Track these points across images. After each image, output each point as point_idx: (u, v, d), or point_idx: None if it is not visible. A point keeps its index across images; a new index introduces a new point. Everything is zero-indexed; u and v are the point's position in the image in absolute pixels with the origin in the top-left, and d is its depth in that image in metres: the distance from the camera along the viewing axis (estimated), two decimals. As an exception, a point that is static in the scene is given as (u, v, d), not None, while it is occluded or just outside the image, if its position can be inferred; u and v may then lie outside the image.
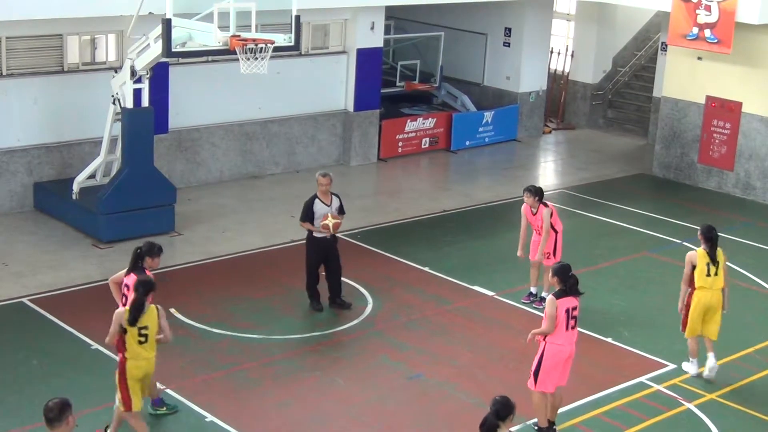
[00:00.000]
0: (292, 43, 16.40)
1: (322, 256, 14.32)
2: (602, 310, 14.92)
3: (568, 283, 10.99)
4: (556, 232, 14.70)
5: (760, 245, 18.23)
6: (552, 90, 27.02)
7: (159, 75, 17.96)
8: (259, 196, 19.52)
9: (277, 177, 20.82)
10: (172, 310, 13.97)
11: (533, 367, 11.05)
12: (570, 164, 23.39)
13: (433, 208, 19.42)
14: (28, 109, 17.62)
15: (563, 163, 23.67)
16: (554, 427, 11.34)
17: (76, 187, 17.21)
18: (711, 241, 12.66)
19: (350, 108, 21.88)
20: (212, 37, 15.22)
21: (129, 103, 16.41)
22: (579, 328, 11.46)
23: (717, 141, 21.49)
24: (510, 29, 25.14)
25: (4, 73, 17.35)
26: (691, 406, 12.24)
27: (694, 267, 12.67)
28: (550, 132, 26.21)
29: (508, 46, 25.24)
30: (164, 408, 11.43)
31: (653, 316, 14.73)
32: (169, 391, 11.86)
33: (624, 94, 27.47)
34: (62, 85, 17.90)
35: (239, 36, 15.29)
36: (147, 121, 16.72)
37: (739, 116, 21.03)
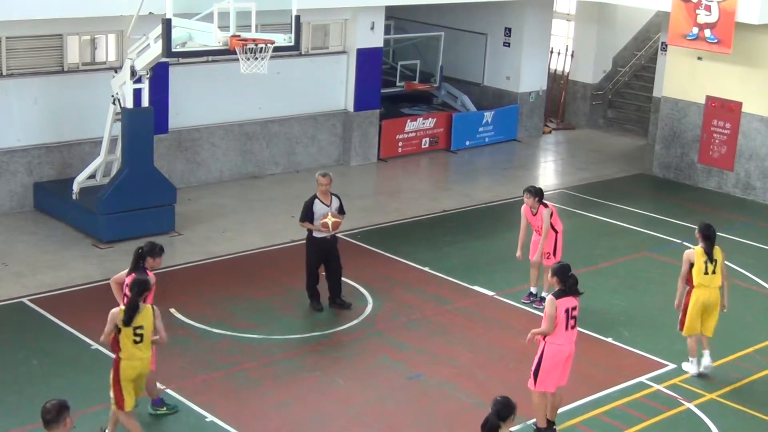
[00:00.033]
0: (292, 43, 16.41)
1: (322, 257, 14.32)
2: (602, 310, 14.92)
3: (567, 283, 11.00)
4: (556, 232, 14.70)
5: (760, 245, 18.24)
6: (552, 90, 27.02)
7: (159, 75, 17.97)
8: (259, 196, 19.52)
9: (277, 177, 20.82)
10: (172, 310, 13.98)
11: (533, 367, 11.05)
12: (570, 164, 23.39)
13: (433, 208, 19.42)
14: (28, 109, 17.62)
15: (563, 163, 23.67)
16: (554, 427, 11.35)
17: (76, 187, 17.21)
18: (709, 239, 12.67)
19: (350, 108, 21.88)
20: (212, 37, 15.22)
21: (129, 103, 16.41)
22: (579, 328, 11.47)
23: (717, 141, 21.49)
24: (510, 29, 25.14)
25: (4, 73, 17.35)
26: (691, 406, 12.24)
27: (691, 265, 12.69)
28: (550, 132, 26.21)
29: (508, 46, 25.24)
30: (164, 408, 11.44)
31: (653, 316, 14.73)
32: (169, 391, 11.87)
33: (624, 94, 27.47)
34: (62, 85, 17.90)
35: (239, 36, 15.29)
36: (147, 121, 16.72)
37: (739, 116, 21.03)
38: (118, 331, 10.25)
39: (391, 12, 23.57)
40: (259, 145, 20.72)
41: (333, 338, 13.75)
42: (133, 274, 10.98)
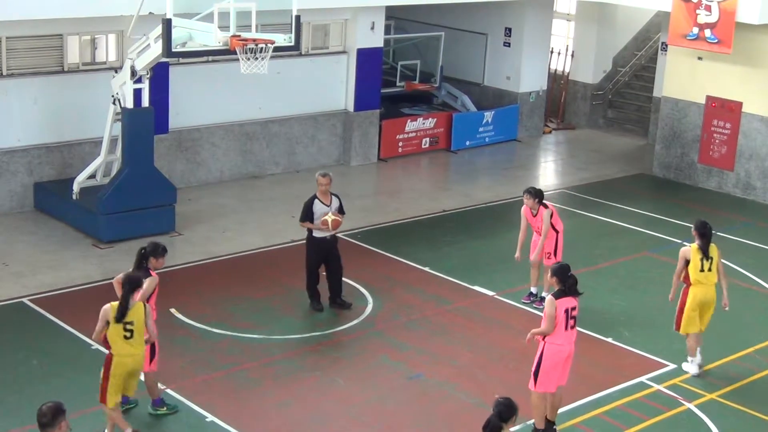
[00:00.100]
0: (293, 43, 16.41)
1: (322, 257, 14.32)
2: (602, 310, 14.92)
3: (567, 283, 11.00)
4: (557, 231, 14.70)
5: (760, 245, 18.23)
6: (552, 90, 27.02)
7: (159, 75, 17.97)
8: (259, 196, 19.52)
9: (277, 177, 20.82)
10: (173, 310, 13.99)
11: (533, 368, 11.04)
12: (570, 164, 23.39)
13: (433, 208, 19.42)
14: (28, 109, 17.63)
15: (563, 163, 23.67)
16: (554, 427, 11.35)
17: (76, 187, 17.21)
18: (705, 236, 12.71)
19: (350, 108, 21.88)
20: (212, 37, 15.23)
21: (129, 103, 16.41)
22: (579, 328, 11.47)
23: (717, 141, 21.49)
24: (510, 29, 25.14)
25: (5, 73, 17.35)
26: (691, 406, 12.24)
27: (687, 262, 12.72)
28: (550, 132, 26.21)
29: (509, 46, 25.24)
30: (164, 408, 11.44)
31: (653, 316, 14.73)
32: (169, 391, 11.87)
33: (624, 94, 27.47)
34: (62, 85, 17.90)
35: (239, 36, 15.30)
36: (147, 121, 16.72)
37: (739, 116, 21.03)
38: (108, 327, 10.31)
39: (391, 12, 23.57)
40: (259, 145, 20.72)
41: (333, 338, 13.75)
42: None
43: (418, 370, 12.84)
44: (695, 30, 20.07)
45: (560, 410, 11.53)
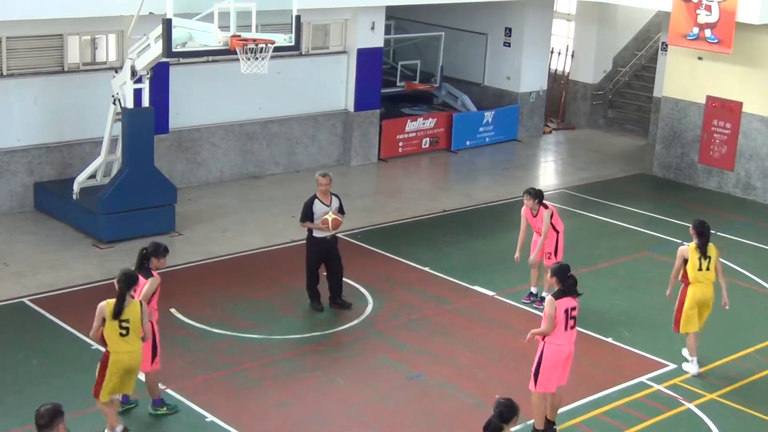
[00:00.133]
0: (293, 43, 16.41)
1: (323, 257, 14.32)
2: (602, 310, 14.92)
3: (566, 283, 11.00)
4: (557, 232, 14.69)
5: (760, 245, 18.23)
6: (552, 90, 27.02)
7: (159, 75, 17.97)
8: (259, 196, 19.52)
9: (277, 177, 20.82)
10: (173, 310, 13.99)
11: (533, 369, 11.04)
12: (570, 164, 23.39)
13: (433, 208, 19.42)
14: (28, 109, 17.63)
15: (563, 163, 23.67)
16: (554, 427, 11.35)
17: (76, 187, 17.21)
18: (703, 235, 12.72)
19: (350, 108, 21.88)
20: (212, 37, 15.23)
21: (129, 103, 16.41)
22: (579, 328, 11.48)
23: (717, 141, 21.49)
24: (510, 29, 25.14)
25: (5, 73, 17.35)
26: (691, 406, 12.24)
27: (685, 261, 12.75)
28: (550, 132, 26.21)
29: (509, 46, 25.24)
30: (164, 408, 11.44)
31: (653, 316, 14.72)
32: (169, 391, 11.87)
33: (624, 94, 27.47)
34: (62, 85, 17.90)
35: (239, 36, 15.30)
36: (147, 121, 16.72)
37: (739, 116, 21.03)
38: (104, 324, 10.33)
39: (391, 12, 23.57)
40: (259, 145, 20.72)
41: (333, 338, 13.75)
42: (138, 275, 11.00)
43: (418, 370, 12.84)
44: (695, 30, 20.07)
45: (560, 410, 11.54)
